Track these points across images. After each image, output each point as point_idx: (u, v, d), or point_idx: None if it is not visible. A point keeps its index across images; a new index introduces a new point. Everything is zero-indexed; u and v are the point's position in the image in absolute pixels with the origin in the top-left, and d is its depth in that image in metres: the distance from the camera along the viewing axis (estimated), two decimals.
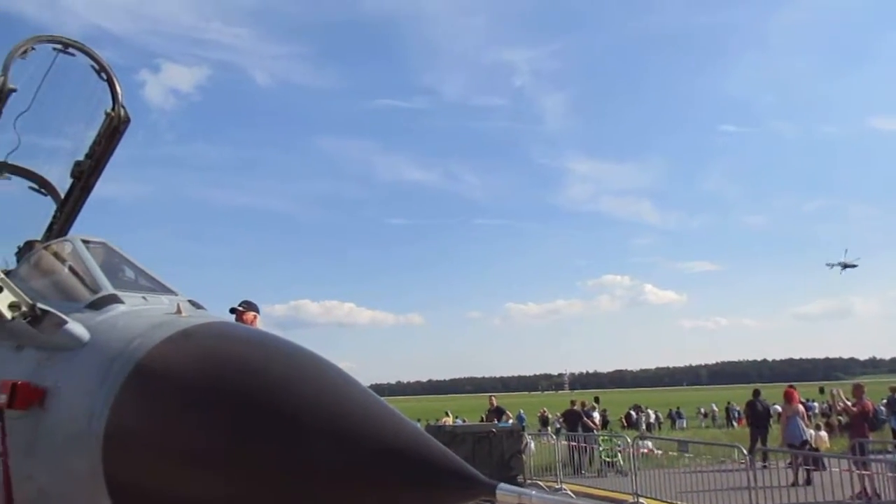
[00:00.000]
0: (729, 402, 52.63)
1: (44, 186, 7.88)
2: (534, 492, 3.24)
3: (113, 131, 7.15)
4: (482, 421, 26.09)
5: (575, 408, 25.98)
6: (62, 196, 7.70)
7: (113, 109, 7.06)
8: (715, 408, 57.82)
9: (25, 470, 4.29)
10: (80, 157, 7.41)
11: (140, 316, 4.62)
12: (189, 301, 5.27)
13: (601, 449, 22.08)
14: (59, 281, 5.50)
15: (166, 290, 5.43)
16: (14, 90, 6.64)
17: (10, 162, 7.51)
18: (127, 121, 7.15)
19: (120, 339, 4.26)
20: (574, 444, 21.54)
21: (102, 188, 7.85)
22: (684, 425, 53.15)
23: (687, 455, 18.17)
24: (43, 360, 4.53)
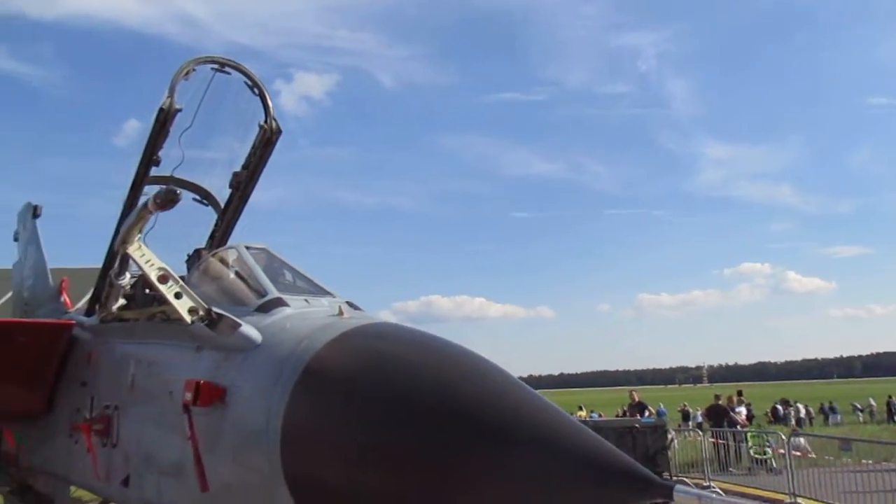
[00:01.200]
0: (890, 396, 48.62)
1: (206, 197, 8.44)
2: (714, 494, 3.12)
3: (266, 142, 7.54)
4: (622, 415, 25.48)
5: (720, 402, 24.88)
6: (222, 206, 8.24)
7: (266, 122, 7.44)
8: (872, 402, 53.66)
9: (210, 462, 4.62)
10: (238, 169, 7.88)
11: (305, 318, 4.85)
12: (347, 302, 5.49)
13: (750, 446, 21.03)
14: (228, 286, 5.87)
15: (325, 293, 5.68)
16: (180, 110, 7.17)
17: (176, 176, 8.11)
18: (279, 132, 7.52)
19: (289, 341, 4.49)
20: (721, 440, 20.62)
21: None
22: (839, 420, 49.64)
23: (847, 453, 16.97)
24: (220, 361, 4.86)
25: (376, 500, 3.81)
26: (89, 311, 8.25)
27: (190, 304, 5.16)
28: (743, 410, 24.87)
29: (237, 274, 6.05)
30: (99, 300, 8.26)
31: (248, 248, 6.09)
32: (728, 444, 20.55)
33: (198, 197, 8.46)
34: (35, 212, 14.97)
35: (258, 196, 8.35)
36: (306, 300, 5.34)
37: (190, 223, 8.44)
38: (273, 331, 4.72)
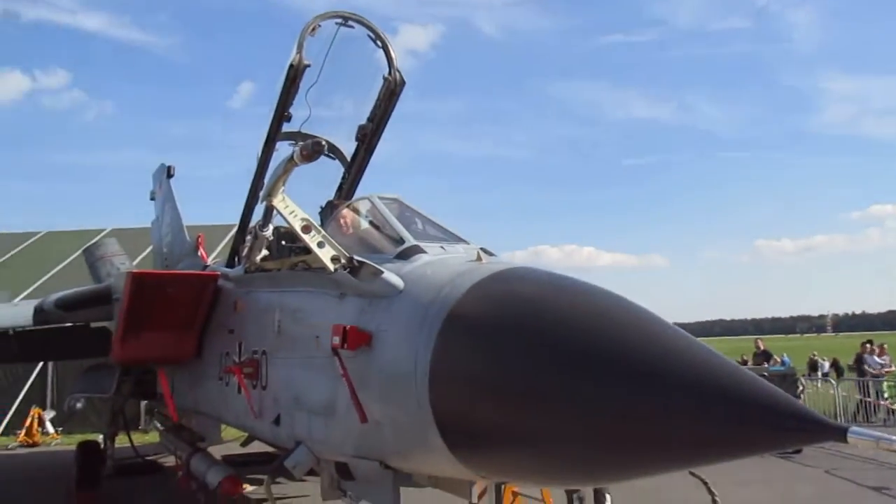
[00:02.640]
0: None
1: (332, 151, 8.68)
2: (894, 437, 2.98)
3: (390, 94, 7.63)
4: (742, 364, 24.60)
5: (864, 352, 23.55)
6: (348, 159, 8.45)
7: (390, 74, 7.51)
8: None
9: (361, 402, 4.84)
10: (363, 122, 8.03)
11: (445, 264, 4.95)
12: (482, 249, 5.55)
13: (887, 396, 19.95)
14: (365, 235, 6.06)
15: (459, 240, 5.76)
16: (308, 65, 7.35)
17: (303, 131, 8.38)
18: (402, 83, 7.58)
19: (431, 287, 4.60)
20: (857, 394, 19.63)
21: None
22: None
23: None
24: (364, 307, 5.04)
25: (521, 439, 3.89)
26: (229, 264, 8.75)
27: (332, 252, 5.36)
28: (880, 360, 23.43)
29: (372, 223, 6.23)
30: (238, 253, 8.74)
31: (380, 198, 6.26)
32: (864, 394, 19.58)
33: (326, 152, 8.71)
34: (169, 172, 15.88)
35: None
36: (442, 247, 5.44)
37: (318, 177, 8.69)
38: (414, 277, 4.85)
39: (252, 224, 8.46)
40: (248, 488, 8.58)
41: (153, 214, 17.08)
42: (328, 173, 8.65)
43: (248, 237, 8.59)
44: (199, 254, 12.66)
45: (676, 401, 3.30)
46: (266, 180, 5.77)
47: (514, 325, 4.00)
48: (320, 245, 5.38)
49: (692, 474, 7.24)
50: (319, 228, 5.47)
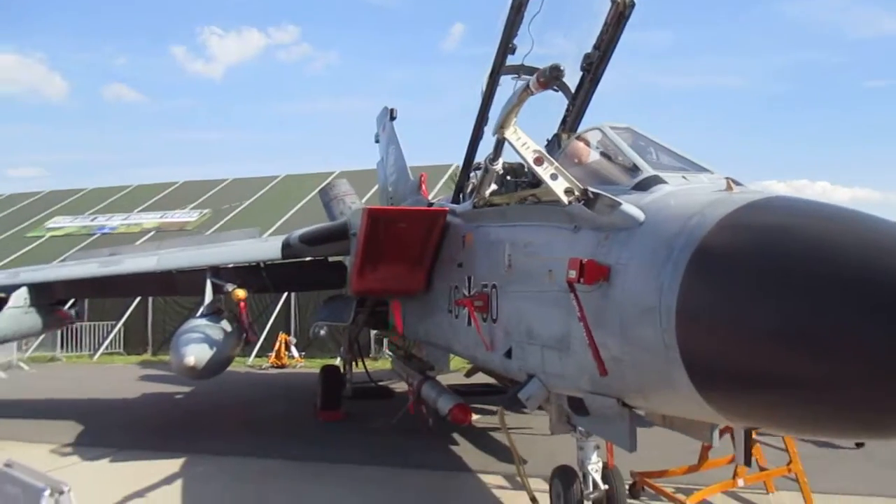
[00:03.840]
0: None
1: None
2: None
3: (619, 17, 7.18)
4: None
5: None
6: (572, 91, 8.17)
7: None
8: None
9: (599, 338, 4.72)
10: (588, 50, 7.68)
11: (690, 194, 4.60)
12: (729, 178, 5.11)
13: None
14: (598, 167, 5.82)
15: (701, 169, 5.35)
16: None
17: (526, 64, 8.21)
18: (632, 5, 7.09)
19: (677, 218, 4.30)
20: None
21: None
22: None
23: None
24: (601, 240, 4.85)
25: (785, 383, 3.54)
26: (454, 200, 8.93)
27: (565, 185, 5.21)
28: None
29: (603, 154, 5.97)
30: (462, 189, 8.89)
31: (612, 127, 5.96)
32: None
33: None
34: (392, 115, 16.53)
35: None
36: (684, 177, 5.08)
37: (540, 111, 8.50)
38: (656, 208, 4.56)
39: (479, 159, 8.56)
40: (475, 417, 8.89)
41: (378, 156, 18.04)
42: (551, 106, 8.42)
43: (477, 172, 8.70)
44: (421, 192, 13.14)
45: None
46: (500, 112, 5.69)
47: (776, 259, 3.61)
48: (553, 177, 5.25)
49: None
50: (552, 160, 5.33)
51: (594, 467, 6.44)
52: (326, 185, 16.37)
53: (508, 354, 6.19)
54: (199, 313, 10.60)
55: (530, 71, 8.35)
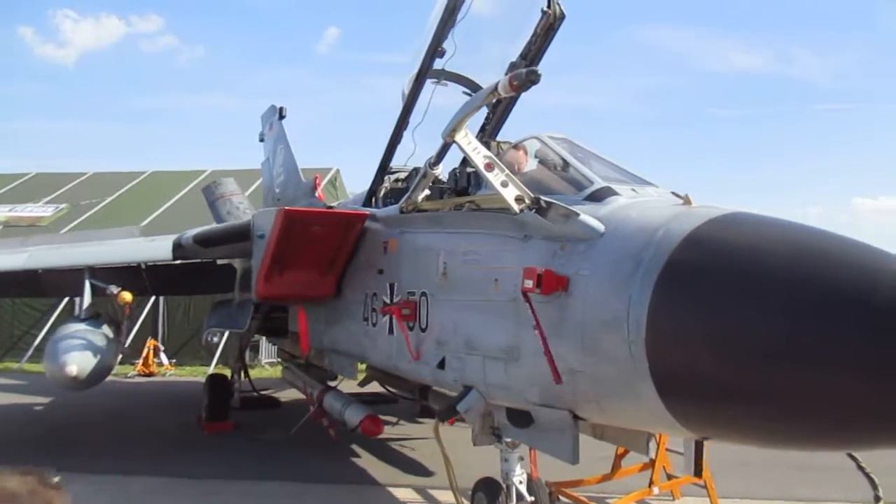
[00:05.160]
0: None
1: (475, 90, 8.36)
2: None
3: (548, 29, 7.22)
4: None
5: None
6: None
7: (549, 6, 7.09)
8: None
9: (554, 350, 4.63)
10: (514, 59, 7.67)
11: (649, 207, 4.63)
12: (672, 193, 5.21)
13: None
14: (539, 176, 5.77)
15: (645, 182, 5.41)
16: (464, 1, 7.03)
17: (447, 69, 8.10)
18: (562, 17, 7.15)
19: (641, 230, 4.30)
20: None
21: None
22: None
23: None
24: (556, 250, 4.79)
25: (760, 398, 3.59)
26: (365, 203, 8.65)
27: (516, 192, 5.12)
28: None
29: (543, 163, 5.94)
30: (375, 193, 8.63)
31: (550, 137, 5.95)
32: None
33: (467, 90, 8.43)
34: (281, 113, 15.95)
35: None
36: (633, 189, 5.11)
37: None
38: (617, 220, 4.56)
39: (390, 164, 8.35)
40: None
41: (263, 155, 17.31)
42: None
43: (390, 175, 8.48)
44: (316, 194, 12.70)
45: None
46: (454, 116, 5.51)
47: (751, 274, 3.68)
48: (504, 184, 5.15)
49: None
50: (503, 167, 5.22)
51: (519, 479, 6.40)
52: (212, 184, 15.50)
53: (441, 365, 6.01)
54: (77, 317, 9.67)
55: (452, 76, 8.26)
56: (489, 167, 5.20)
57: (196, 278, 12.94)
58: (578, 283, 4.50)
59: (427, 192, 6.67)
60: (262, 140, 17.53)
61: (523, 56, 7.56)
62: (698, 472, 4.51)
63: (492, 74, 8.30)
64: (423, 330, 6.31)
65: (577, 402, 4.71)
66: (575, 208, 4.74)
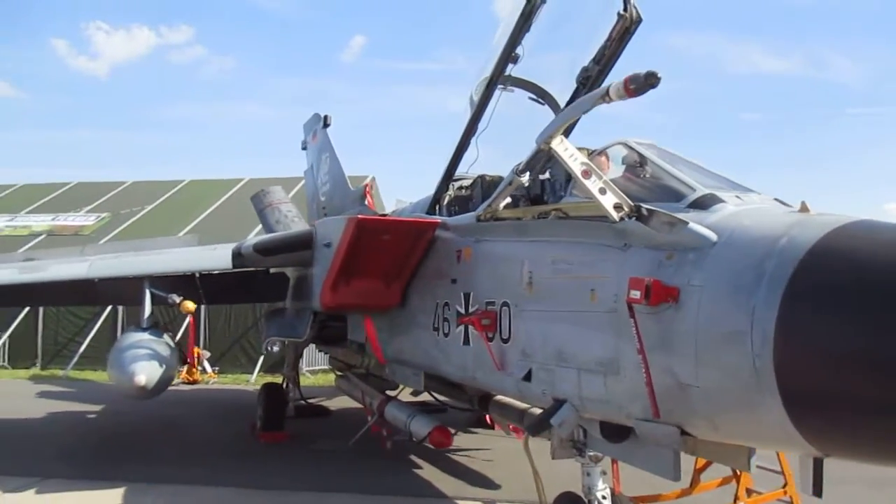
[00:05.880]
0: None
1: (542, 96, 8.24)
2: None
3: (624, 32, 7.07)
4: None
5: None
6: (561, 105, 7.99)
7: (625, 9, 6.93)
8: None
9: (660, 362, 4.46)
10: (586, 63, 7.52)
11: (763, 215, 4.45)
12: (776, 199, 5.03)
13: None
14: (629, 182, 5.58)
15: (744, 188, 5.22)
16: (545, 1, 6.91)
17: (513, 75, 7.97)
18: (639, 20, 6.99)
19: (759, 239, 4.12)
20: None
21: None
22: None
23: None
24: (661, 259, 4.61)
25: None
26: (429, 211, 8.54)
27: (615, 200, 4.96)
28: None
29: (631, 170, 5.77)
30: (440, 200, 8.53)
31: (637, 143, 5.78)
32: None
33: (534, 96, 8.30)
34: (325, 121, 15.93)
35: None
36: (738, 196, 4.93)
37: (524, 123, 8.29)
38: (730, 228, 4.37)
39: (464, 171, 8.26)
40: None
41: (306, 164, 17.31)
42: (536, 120, 8.23)
43: (472, 183, 8.36)
44: (366, 201, 12.63)
45: None
46: (553, 122, 5.37)
47: (892, 284, 3.49)
48: (602, 191, 4.99)
49: None
50: (601, 174, 5.07)
51: (602, 493, 6.24)
52: (260, 192, 15.53)
53: (528, 377, 5.85)
54: (139, 326, 9.67)
55: (519, 82, 8.13)
56: (586, 174, 5.06)
57: (247, 287, 12.95)
58: (690, 295, 4.32)
59: (508, 199, 6.54)
60: (304, 148, 17.55)
61: (596, 61, 7.42)
62: (818, 491, 4.30)
63: (561, 80, 8.22)
64: (505, 341, 6.17)
65: (686, 417, 4.53)
66: (680, 216, 4.58)
